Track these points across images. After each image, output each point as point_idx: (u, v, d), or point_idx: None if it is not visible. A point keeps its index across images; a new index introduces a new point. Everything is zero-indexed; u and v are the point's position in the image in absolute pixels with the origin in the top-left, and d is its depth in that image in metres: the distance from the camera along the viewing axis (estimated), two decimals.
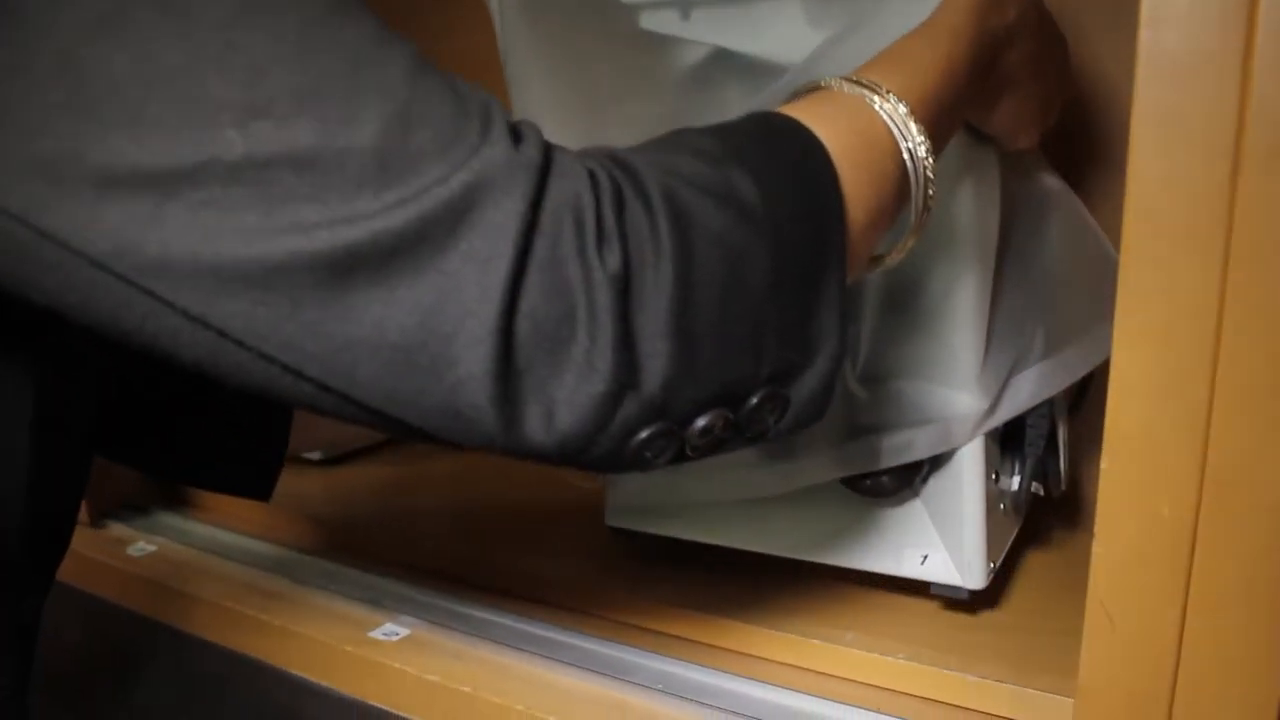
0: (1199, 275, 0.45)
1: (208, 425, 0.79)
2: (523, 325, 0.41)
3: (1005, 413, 0.71)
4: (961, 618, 0.74)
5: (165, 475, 0.84)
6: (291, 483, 1.04)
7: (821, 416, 0.51)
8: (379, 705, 0.76)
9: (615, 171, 0.44)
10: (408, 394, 0.42)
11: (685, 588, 0.74)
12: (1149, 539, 0.48)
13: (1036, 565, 0.82)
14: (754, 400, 0.47)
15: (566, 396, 0.42)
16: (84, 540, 0.99)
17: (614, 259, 0.42)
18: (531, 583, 0.84)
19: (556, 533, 0.93)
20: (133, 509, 1.05)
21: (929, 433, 0.70)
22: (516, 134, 0.43)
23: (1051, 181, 0.77)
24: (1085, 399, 0.85)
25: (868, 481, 0.72)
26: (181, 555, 0.96)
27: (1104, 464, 0.48)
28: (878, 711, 0.69)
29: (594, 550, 0.88)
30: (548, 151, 0.43)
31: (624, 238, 0.42)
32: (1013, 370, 0.71)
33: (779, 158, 0.49)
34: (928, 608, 0.75)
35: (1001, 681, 0.66)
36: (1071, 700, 0.62)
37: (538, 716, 0.70)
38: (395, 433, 0.46)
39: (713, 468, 0.68)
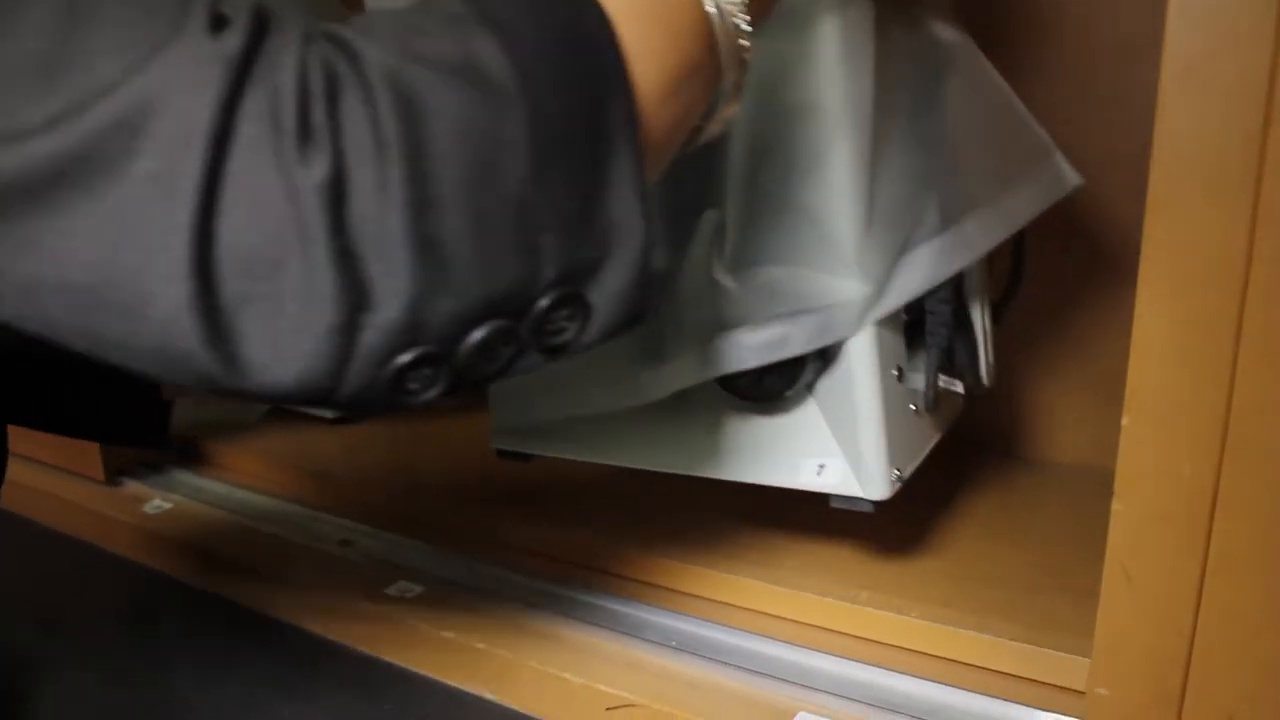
0: (1225, 230, 0.44)
1: (76, 378, 0.72)
2: (224, 253, 0.35)
3: (896, 298, 0.63)
4: (976, 576, 0.73)
5: (64, 432, 0.79)
6: (306, 440, 1.04)
7: (644, 316, 0.45)
8: (393, 661, 0.76)
9: (332, 56, 0.38)
10: (114, 336, 0.37)
11: (698, 545, 0.74)
12: (1169, 497, 0.48)
13: (1051, 524, 0.82)
14: (541, 306, 0.41)
15: (292, 329, 0.37)
16: (100, 498, 0.99)
17: (321, 163, 0.36)
18: (545, 540, 0.84)
19: (570, 490, 0.93)
20: (148, 467, 1.05)
21: (806, 324, 0.63)
22: (220, 20, 0.36)
23: (947, 33, 0.69)
24: (1019, 285, 0.78)
25: (745, 383, 0.65)
26: (196, 512, 0.97)
27: (1125, 421, 0.48)
28: (892, 669, 0.69)
29: (608, 507, 0.88)
30: (256, 39, 0.36)
31: (335, 136, 0.36)
32: (903, 248, 0.63)
33: (536, 16, 0.41)
34: (943, 566, 0.75)
35: (1016, 640, 0.66)
36: (1087, 659, 0.62)
37: (550, 673, 0.70)
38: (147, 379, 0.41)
39: (588, 378, 0.67)
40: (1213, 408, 0.46)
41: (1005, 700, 0.66)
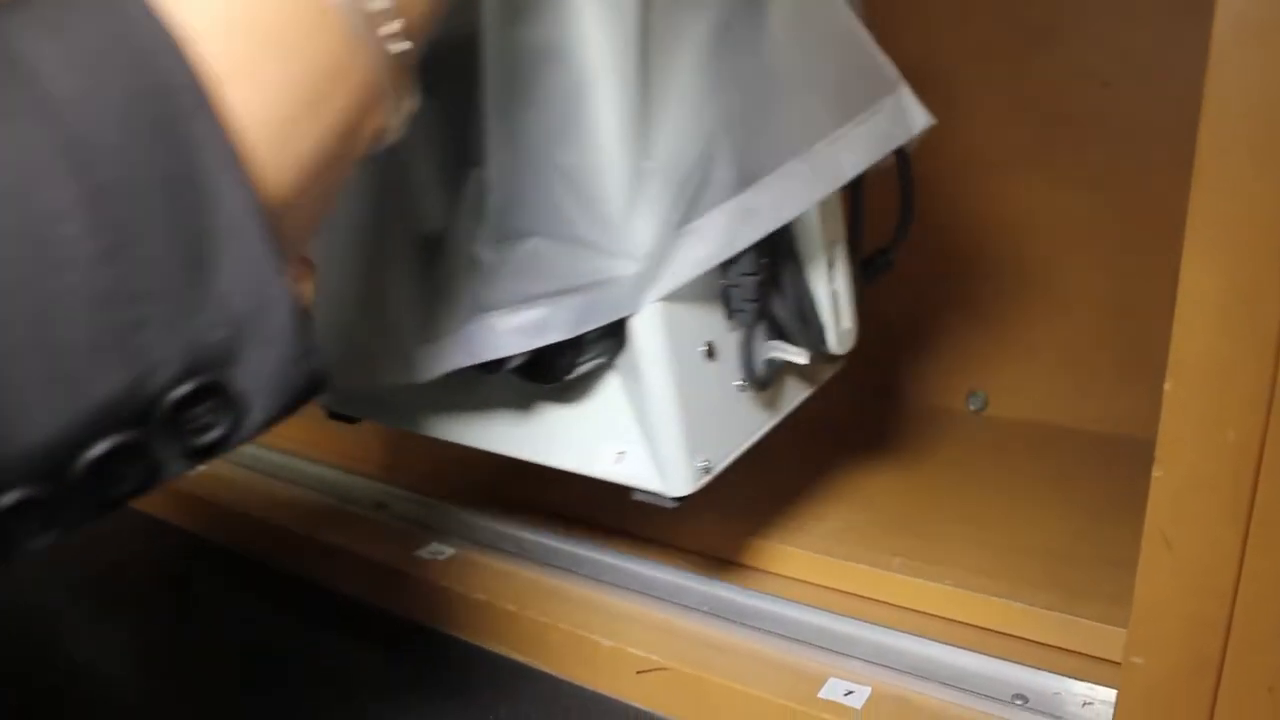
0: (1273, 194, 0.43)
1: None
2: None
3: (677, 274, 0.54)
4: (1009, 545, 0.73)
5: None
6: None
7: (318, 389, 0.37)
8: (424, 623, 0.77)
9: None
10: None
11: (731, 511, 0.74)
12: (1212, 463, 0.47)
13: (1086, 494, 0.81)
14: (167, 406, 0.33)
15: None
16: None
17: None
18: (579, 504, 0.84)
19: None
20: None
21: (568, 306, 0.55)
22: None
23: None
24: (908, 228, 0.70)
25: (517, 367, 0.57)
26: (232, 474, 0.97)
27: (1168, 386, 0.47)
28: (924, 637, 0.68)
29: None
30: None
31: None
32: (687, 214, 0.54)
33: (68, 41, 0.31)
34: (976, 535, 0.74)
35: (1050, 609, 0.66)
36: (1122, 629, 0.61)
37: (582, 635, 0.70)
38: None
39: (381, 350, 0.61)
40: (1258, 372, 0.45)
41: (1038, 669, 0.65)
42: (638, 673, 0.69)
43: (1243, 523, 0.47)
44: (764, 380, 0.62)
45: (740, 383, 0.62)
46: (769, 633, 0.71)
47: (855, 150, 0.58)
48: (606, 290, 0.54)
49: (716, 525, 0.77)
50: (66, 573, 0.89)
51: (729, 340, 0.60)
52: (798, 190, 0.56)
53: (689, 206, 0.54)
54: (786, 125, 0.57)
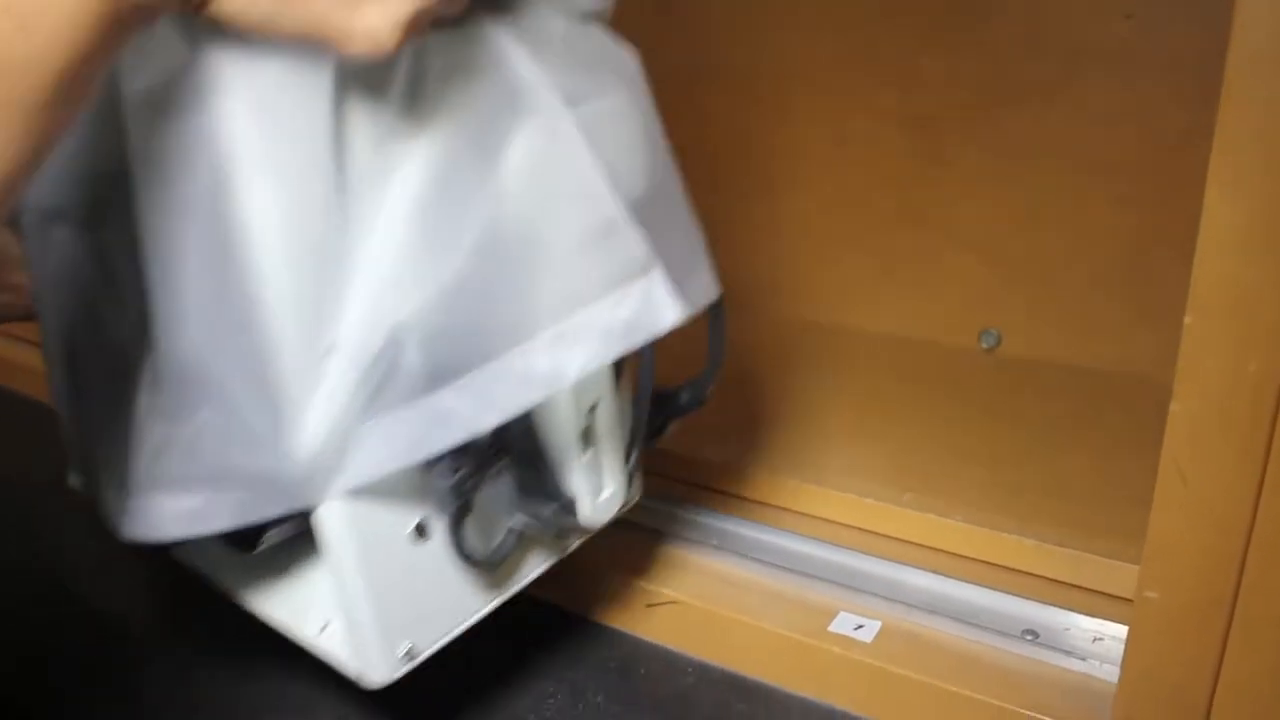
0: None
1: None
2: None
3: (360, 473, 0.46)
4: (1021, 483, 0.72)
5: None
6: None
7: None
8: None
9: None
10: None
11: (743, 447, 0.74)
12: (1231, 396, 0.46)
13: (1099, 434, 0.81)
14: None
15: None
16: None
17: None
18: None
19: None
20: None
21: (230, 497, 0.48)
22: None
23: (516, 78, 0.47)
24: (716, 371, 0.62)
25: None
26: None
27: (1188, 319, 0.46)
28: (935, 572, 0.68)
29: None
30: None
31: None
32: (369, 406, 0.45)
33: None
34: (988, 473, 0.74)
35: (1061, 546, 0.65)
36: (1133, 566, 0.61)
37: (593, 569, 0.70)
38: None
39: (97, 484, 0.55)
40: None
41: (1048, 604, 0.65)
42: (647, 606, 0.69)
43: (1260, 458, 0.47)
44: (492, 559, 0.55)
45: (461, 566, 0.54)
46: (780, 567, 0.71)
47: (584, 346, 0.48)
48: (273, 482, 0.46)
49: (729, 461, 0.77)
50: None
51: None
52: (505, 395, 0.47)
53: (372, 397, 0.45)
54: (500, 312, 0.47)
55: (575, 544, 0.61)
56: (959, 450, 0.78)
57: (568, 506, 0.55)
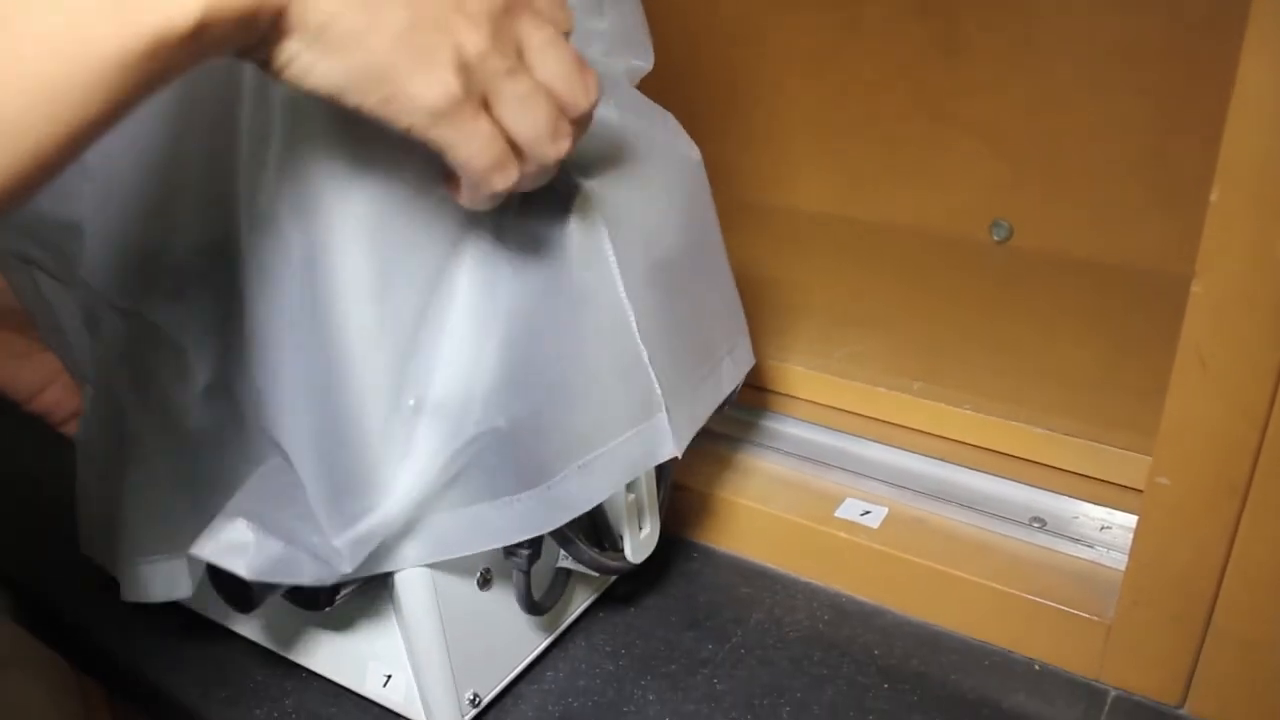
0: None
1: None
2: None
3: (421, 556, 0.49)
4: (1032, 372, 0.72)
5: None
6: None
7: None
8: None
9: None
10: None
11: (752, 336, 0.72)
12: (1256, 278, 0.45)
13: (1111, 325, 0.80)
14: None
15: None
16: None
17: None
18: None
19: None
20: None
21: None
22: None
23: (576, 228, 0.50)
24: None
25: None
26: None
27: (1214, 196, 0.45)
28: (942, 460, 0.68)
29: None
30: None
31: None
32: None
33: None
34: (998, 362, 0.73)
35: (1072, 435, 0.65)
36: (1144, 456, 0.60)
37: None
38: None
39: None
40: None
41: (1056, 493, 0.65)
42: None
43: None
44: (545, 605, 0.58)
45: (517, 615, 0.57)
46: (787, 453, 0.71)
47: (605, 476, 0.51)
48: (337, 549, 0.47)
49: None
50: None
51: (507, 565, 0.54)
52: (539, 516, 0.49)
53: (452, 482, 0.48)
54: (551, 441, 0.49)
55: (614, 579, 0.64)
56: (969, 340, 0.77)
57: (613, 546, 0.58)
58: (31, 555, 0.69)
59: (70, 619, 0.64)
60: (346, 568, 0.46)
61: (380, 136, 0.40)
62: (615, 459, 0.51)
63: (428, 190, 0.45)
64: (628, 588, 0.65)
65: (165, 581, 0.54)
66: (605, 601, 0.64)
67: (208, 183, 0.46)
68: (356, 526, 0.46)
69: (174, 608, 0.64)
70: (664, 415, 0.53)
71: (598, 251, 0.50)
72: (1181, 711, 0.55)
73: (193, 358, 0.51)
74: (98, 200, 0.49)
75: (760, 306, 0.81)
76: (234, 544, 0.46)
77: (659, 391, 0.53)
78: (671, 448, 0.53)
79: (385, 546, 0.47)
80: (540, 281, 0.48)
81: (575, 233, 0.49)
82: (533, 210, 0.48)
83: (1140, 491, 0.53)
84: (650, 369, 0.52)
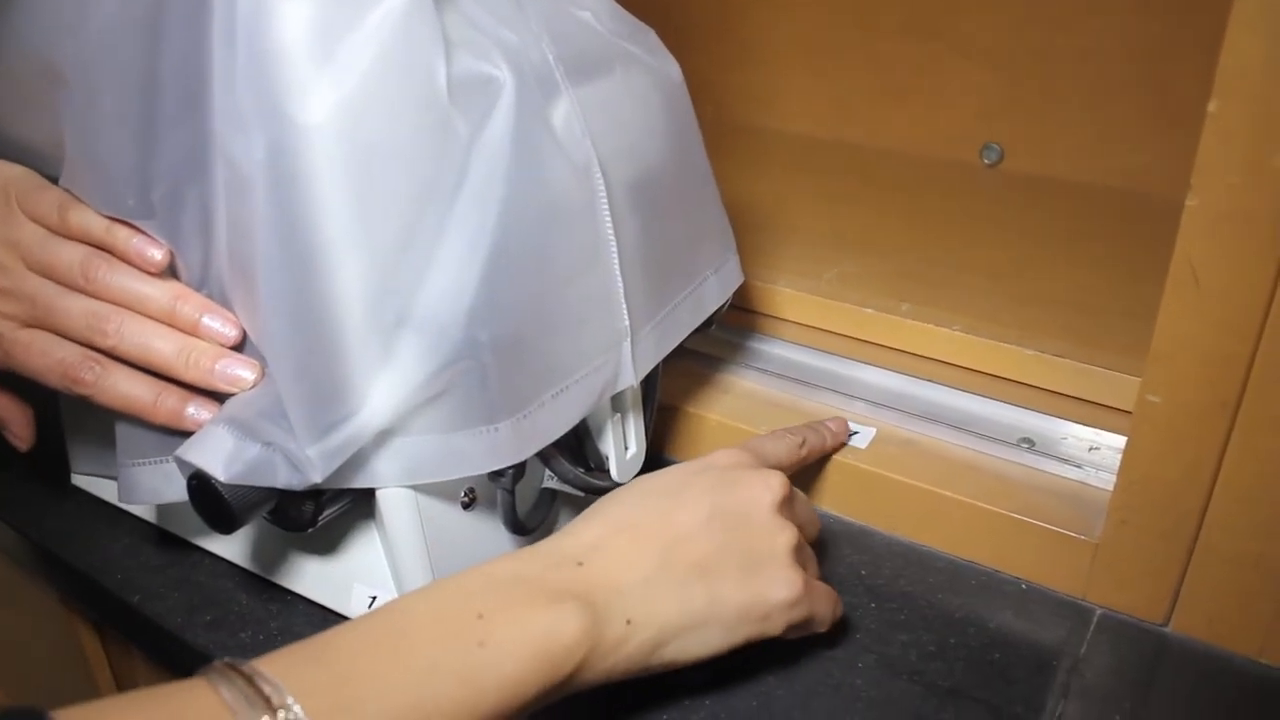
0: None
1: None
2: None
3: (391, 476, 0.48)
4: (1021, 294, 0.71)
5: None
6: None
7: None
8: None
9: None
10: None
11: (741, 259, 0.72)
12: (1253, 191, 0.44)
13: (1100, 247, 0.79)
14: None
15: None
16: None
17: None
18: None
19: None
20: None
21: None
22: None
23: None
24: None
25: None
26: None
27: (1212, 106, 0.44)
28: (931, 381, 0.68)
29: None
30: None
31: None
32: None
33: None
34: (987, 284, 0.73)
35: (1062, 357, 0.64)
36: (1133, 378, 0.60)
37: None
38: None
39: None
40: None
41: (1045, 414, 0.65)
42: None
43: (1278, 257, 0.45)
44: (530, 525, 0.58)
45: (502, 532, 0.56)
46: (775, 375, 0.71)
47: (573, 405, 0.51)
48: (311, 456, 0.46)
49: None
50: None
51: (491, 485, 0.53)
52: (513, 447, 0.49)
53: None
54: (534, 369, 0.49)
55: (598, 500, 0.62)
56: (958, 263, 0.76)
57: (599, 467, 0.58)
58: (15, 490, 0.69)
59: (55, 551, 0.63)
60: (317, 476, 0.45)
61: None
62: (583, 388, 0.51)
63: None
64: None
65: (156, 484, 0.53)
66: None
67: (184, 89, 0.45)
68: (330, 436, 0.45)
69: (157, 534, 0.64)
70: (628, 344, 0.54)
71: (586, 174, 0.50)
72: (1166, 629, 0.56)
73: (177, 266, 0.51)
74: (76, 111, 0.49)
75: (746, 229, 0.80)
76: (213, 448, 0.46)
77: (626, 322, 0.53)
78: (630, 377, 0.54)
79: (359, 461, 0.47)
80: (530, 203, 0.47)
81: (565, 153, 0.49)
82: (523, 130, 0.47)
83: (1129, 413, 0.52)
84: (624, 301, 0.53)
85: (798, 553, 0.50)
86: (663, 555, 0.46)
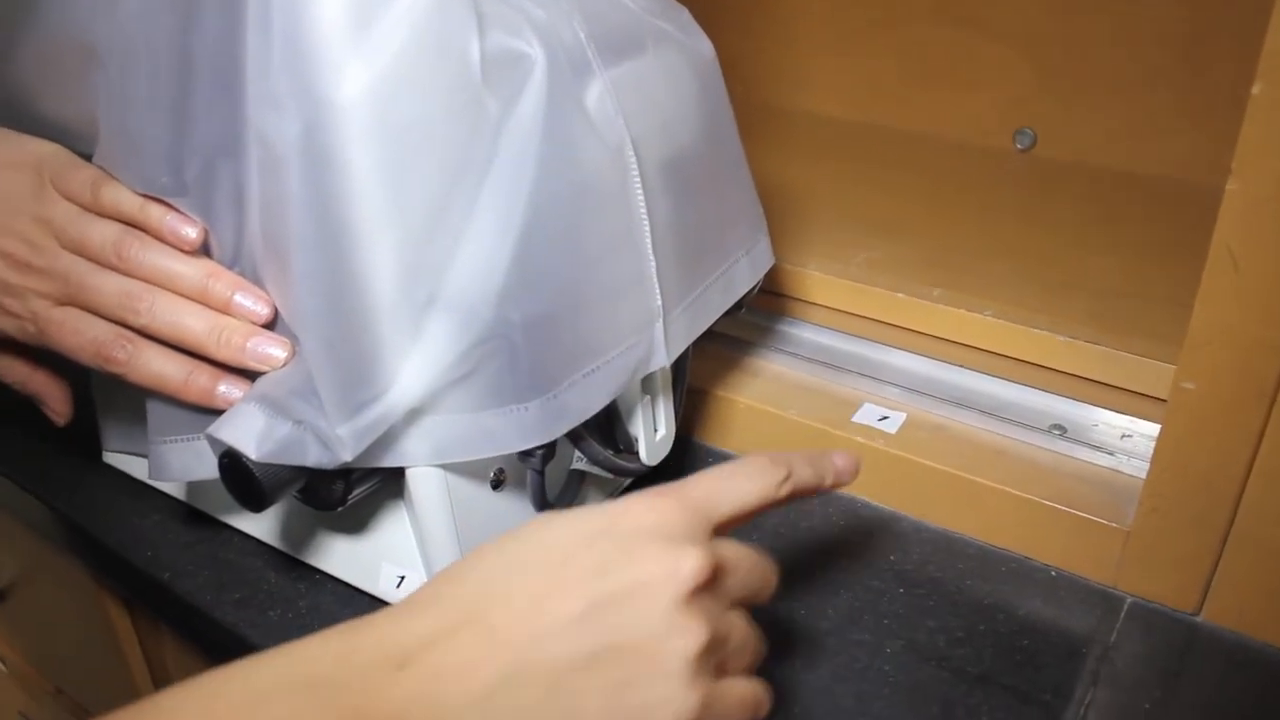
0: None
1: None
2: None
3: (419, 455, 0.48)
4: (1053, 281, 0.70)
5: None
6: None
7: None
8: None
9: None
10: None
11: (771, 242, 0.72)
12: None
13: (1134, 234, 0.78)
14: None
15: None
16: None
17: None
18: None
19: None
20: None
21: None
22: None
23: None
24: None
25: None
26: None
27: (1256, 89, 0.43)
28: (962, 366, 0.67)
29: None
30: None
31: None
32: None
33: None
34: (1019, 269, 0.72)
35: (1094, 343, 0.64)
36: (1167, 365, 0.60)
37: None
38: None
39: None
40: None
41: (1077, 401, 0.64)
42: None
43: None
44: (558, 507, 0.54)
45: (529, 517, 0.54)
46: (804, 358, 0.70)
47: (604, 385, 0.50)
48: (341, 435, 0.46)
49: None
50: None
51: (520, 466, 0.53)
52: (541, 426, 0.48)
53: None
54: (563, 349, 0.48)
55: (627, 482, 0.63)
56: (990, 248, 0.76)
57: (628, 449, 0.57)
58: (48, 467, 0.69)
59: (86, 527, 0.64)
60: (347, 455, 0.45)
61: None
62: (615, 368, 0.51)
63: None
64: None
65: (187, 462, 0.54)
66: None
67: (218, 67, 0.45)
68: (361, 415, 0.45)
69: (187, 511, 0.64)
70: (660, 325, 0.53)
71: (619, 153, 0.50)
72: (1198, 618, 0.55)
73: (209, 244, 0.51)
74: (111, 90, 0.49)
75: (775, 211, 0.80)
76: (245, 426, 0.46)
77: (659, 302, 0.52)
78: (663, 358, 0.53)
79: (389, 440, 0.47)
80: (562, 182, 0.47)
81: (598, 133, 0.48)
82: (555, 109, 0.46)
83: (1161, 400, 0.52)
84: (656, 281, 0.52)
85: (703, 660, 0.37)
86: (514, 663, 0.35)
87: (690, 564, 0.37)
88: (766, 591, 0.43)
